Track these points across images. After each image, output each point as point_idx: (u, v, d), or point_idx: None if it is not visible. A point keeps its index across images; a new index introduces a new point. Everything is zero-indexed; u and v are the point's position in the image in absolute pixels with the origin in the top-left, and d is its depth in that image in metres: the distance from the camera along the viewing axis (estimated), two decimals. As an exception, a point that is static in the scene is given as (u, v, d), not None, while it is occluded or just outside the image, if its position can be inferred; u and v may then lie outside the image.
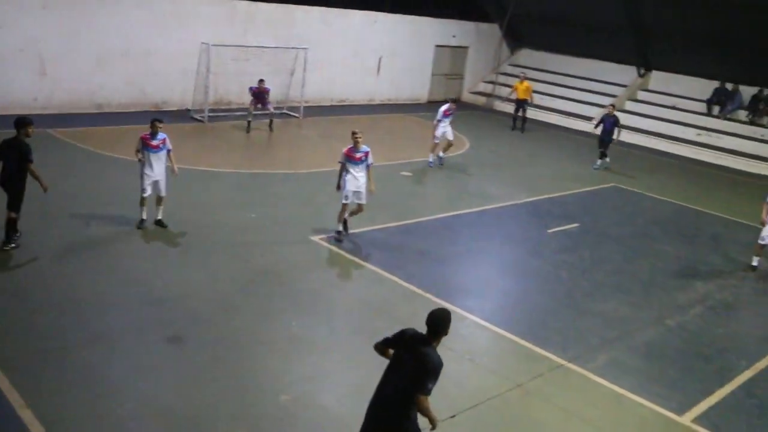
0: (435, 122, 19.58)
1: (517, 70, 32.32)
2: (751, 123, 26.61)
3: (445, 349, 9.56)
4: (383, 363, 9.11)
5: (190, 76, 22.39)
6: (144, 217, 12.48)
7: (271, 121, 21.45)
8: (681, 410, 8.84)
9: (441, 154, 19.78)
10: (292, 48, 24.14)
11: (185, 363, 8.55)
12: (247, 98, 21.93)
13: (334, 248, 12.63)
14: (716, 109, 27.53)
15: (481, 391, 8.75)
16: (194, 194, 14.64)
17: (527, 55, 33.62)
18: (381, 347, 6.53)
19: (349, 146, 12.74)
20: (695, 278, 13.57)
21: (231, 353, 8.86)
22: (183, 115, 21.83)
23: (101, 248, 11.56)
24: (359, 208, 12.97)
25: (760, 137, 25.98)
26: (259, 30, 23.97)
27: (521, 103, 26.98)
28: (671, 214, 18.18)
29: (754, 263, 14.37)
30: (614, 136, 21.86)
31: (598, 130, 22.50)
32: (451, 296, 11.25)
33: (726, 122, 26.92)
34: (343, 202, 12.77)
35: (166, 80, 22.21)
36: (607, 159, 22.16)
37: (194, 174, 16.00)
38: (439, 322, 6.18)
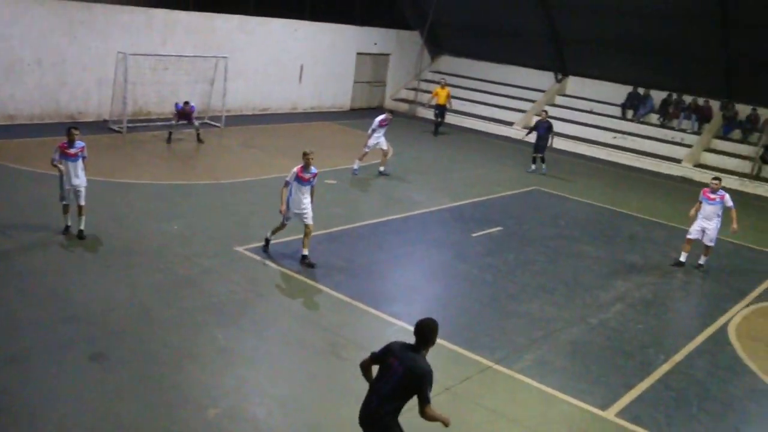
0: (369, 131, 19.68)
1: (438, 77, 32.73)
2: (662, 126, 27.62)
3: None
4: (313, 373, 9.09)
5: (107, 86, 21.81)
6: (69, 223, 12.35)
7: (199, 133, 21.09)
8: (605, 405, 9.07)
9: (381, 168, 19.86)
10: (212, 57, 23.82)
11: (108, 381, 8.30)
12: (167, 108, 21.52)
13: (259, 258, 12.50)
14: (630, 113, 28.48)
15: (411, 396, 8.77)
16: (114, 206, 14.26)
17: (448, 62, 34.06)
18: (367, 363, 6.49)
19: (300, 165, 12.37)
20: (615, 277, 13.95)
21: (156, 369, 8.65)
22: (100, 126, 21.25)
23: (16, 263, 11.15)
24: (309, 229, 12.45)
25: (670, 139, 27.00)
26: (178, 39, 23.57)
27: (442, 109, 27.46)
28: (591, 215, 18.67)
29: (682, 259, 14.91)
30: (548, 143, 22.50)
31: (532, 137, 23.01)
32: (378, 303, 11.28)
33: (639, 125, 27.87)
34: (285, 222, 12.50)
35: (81, 90, 21.60)
36: (544, 165, 22.71)
37: (114, 186, 15.60)
38: (428, 331, 6.28)
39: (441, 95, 27.52)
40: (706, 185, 22.93)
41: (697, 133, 26.80)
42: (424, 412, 6.09)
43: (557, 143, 26.06)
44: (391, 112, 21.31)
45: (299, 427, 7.87)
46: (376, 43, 31.41)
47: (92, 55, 21.48)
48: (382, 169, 19.84)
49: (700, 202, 14.82)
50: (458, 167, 22.23)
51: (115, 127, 21.23)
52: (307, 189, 12.45)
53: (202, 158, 20.00)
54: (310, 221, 12.40)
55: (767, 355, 11.25)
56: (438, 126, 27.66)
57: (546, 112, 23.77)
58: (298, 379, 8.98)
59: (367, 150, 19.61)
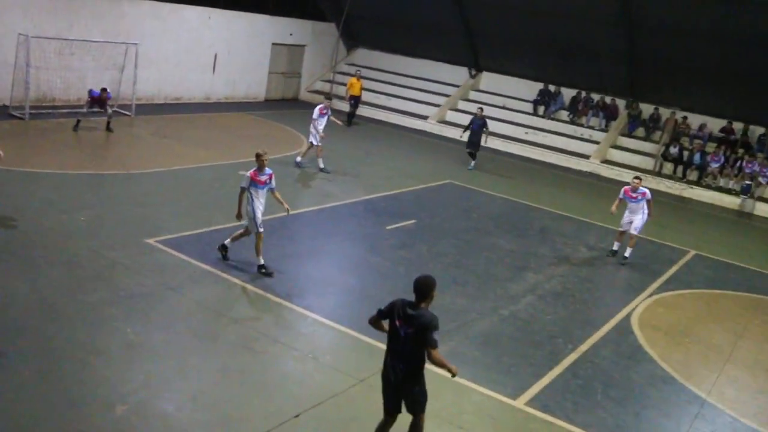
0: (312, 121, 19.45)
1: (353, 69, 32.72)
2: (572, 122, 28.43)
3: (287, 348, 9.56)
4: (225, 367, 8.95)
5: (7, 70, 20.78)
6: None
7: (110, 122, 20.36)
8: (515, 394, 9.27)
9: (298, 159, 19.73)
10: (122, 43, 23.10)
11: (7, 380, 7.93)
12: (73, 95, 20.76)
13: (170, 251, 12.21)
14: (541, 110, 29.18)
15: (325, 389, 8.76)
16: (14, 197, 13.66)
17: (363, 55, 34.09)
18: (375, 319, 7.21)
19: (253, 169, 11.88)
20: (526, 270, 14.28)
21: (60, 366, 8.34)
22: (1, 112, 20.34)
23: None
24: (260, 236, 11.95)
25: (579, 135, 27.83)
26: (86, 23, 22.76)
27: (356, 99, 27.88)
28: (503, 209, 19.04)
29: (615, 248, 15.90)
30: (482, 140, 23.02)
31: (466, 135, 23.39)
32: (292, 295, 11.21)
33: (550, 121, 28.59)
34: (260, 230, 11.85)
35: (-22, 74, 20.63)
36: (473, 162, 23.11)
37: (15, 175, 14.94)
38: (424, 287, 6.90)
39: (356, 86, 27.92)
40: (612, 180, 23.75)
41: (604, 130, 27.72)
42: (431, 354, 6.76)
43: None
44: (329, 98, 21.25)
45: (210, 422, 7.74)
46: (291, 34, 31.15)
47: (-10, 37, 20.53)
48: (299, 159, 19.71)
49: (620, 199, 15.55)
50: (372, 160, 22.29)
51: (17, 114, 20.31)
52: (263, 192, 11.97)
53: (112, 147, 19.40)
54: (261, 228, 11.88)
55: (666, 343, 11.74)
56: (351, 116, 27.85)
57: (481, 109, 24.18)
58: (209, 374, 8.83)
59: (317, 143, 19.39)
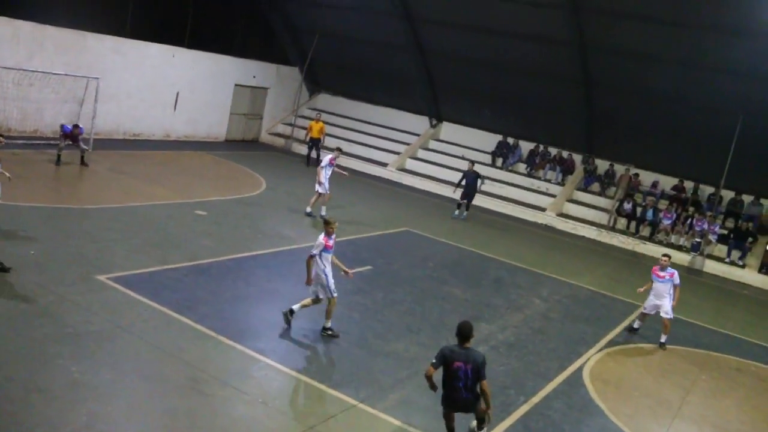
0: (319, 170, 19.87)
1: (315, 114, 32.97)
2: (529, 175, 28.87)
3: (237, 392, 9.41)
4: (173, 409, 8.75)
5: (-37, 99, 20.54)
6: None
7: (83, 156, 20.41)
8: (466, 446, 9.21)
9: (308, 209, 20.02)
10: (83, 76, 22.94)
11: (-57, 415, 7.66)
12: (29, 126, 20.50)
13: (121, 288, 11.98)
14: (499, 161, 29.59)
15: (274, 434, 8.61)
16: (-37, 228, 13.35)
17: (325, 100, 34.35)
18: (431, 372, 8.58)
19: (325, 236, 11.79)
20: (480, 319, 14.30)
21: (1, 405, 8.06)
22: (-47, 142, 19.94)
23: None
24: (334, 301, 11.95)
25: (536, 188, 28.25)
26: (47, 55, 22.61)
27: (315, 142, 28.29)
28: (459, 258, 19.14)
29: (635, 326, 15.26)
30: (478, 187, 24.13)
31: (459, 191, 24.16)
32: (244, 338, 11.06)
33: (508, 173, 28.99)
34: (335, 295, 11.81)
35: (-67, 102, 20.27)
36: (466, 212, 23.82)
37: (-36, 206, 14.61)
38: (466, 330, 8.57)
39: (314, 129, 28.39)
40: (567, 234, 24.09)
41: (561, 183, 28.19)
42: (484, 384, 8.48)
43: (427, 186, 26.79)
44: (340, 149, 21.65)
45: (154, 467, 7.54)
46: (254, 76, 31.30)
47: (-54, 65, 20.24)
48: (309, 210, 20.03)
49: (652, 281, 14.83)
50: (332, 204, 22.28)
51: (-30, 144, 19.95)
52: (329, 257, 11.92)
53: (66, 181, 19.12)
54: (335, 293, 11.89)
55: (616, 396, 11.82)
56: (309, 158, 28.31)
57: (472, 163, 24.98)
58: (156, 416, 8.62)
59: (319, 192, 19.81)
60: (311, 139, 28.45)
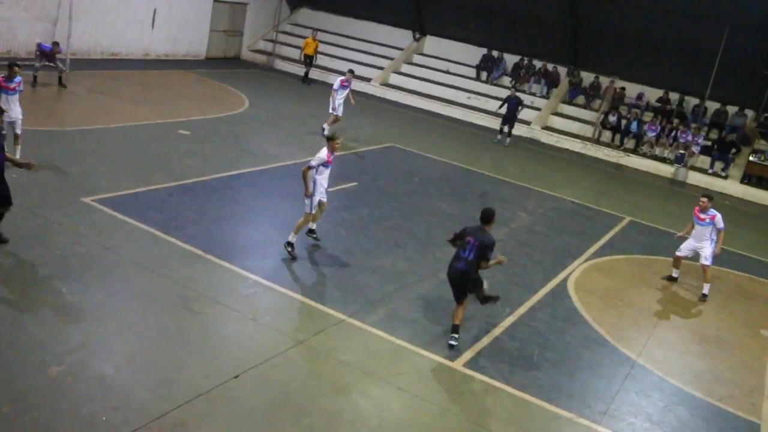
0: (333, 91, 19.89)
1: (296, 29, 32.35)
2: (514, 88, 28.54)
3: (227, 309, 9.51)
4: (163, 328, 8.87)
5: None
6: None
7: (61, 77, 20.05)
8: (453, 356, 9.42)
9: (325, 126, 19.93)
10: (56, -7, 22.27)
11: (-64, 338, 7.72)
12: (2, 46, 20.01)
13: (107, 210, 11.94)
14: (484, 75, 29.28)
15: (264, 349, 8.76)
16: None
17: (307, 15, 33.62)
18: (452, 240, 9.97)
19: (327, 151, 11.72)
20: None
21: (-10, 325, 8.13)
22: (-76, 63, 19.49)
23: None
24: (324, 206, 12.10)
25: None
26: (17, -29, 21.85)
27: (310, 58, 28.39)
28: (445, 173, 19.15)
29: (674, 275, 13.92)
30: (516, 115, 23.87)
31: (503, 110, 23.90)
32: (232, 256, 11.11)
33: (493, 87, 28.72)
34: (312, 212, 11.79)
35: None
36: (509, 139, 23.77)
37: (-58, 130, 14.37)
38: (489, 214, 9.75)
39: (310, 46, 28.44)
40: (552, 147, 24.12)
41: (546, 97, 28.00)
42: (484, 265, 9.56)
43: (411, 101, 26.60)
44: (352, 72, 21.23)
45: (149, 383, 7.67)
46: (233, -9, 30.50)
47: None
48: (325, 126, 19.96)
49: (693, 224, 13.56)
50: (315, 122, 22.08)
51: (-59, 64, 19.50)
52: (328, 172, 11.98)
53: (44, 103, 18.77)
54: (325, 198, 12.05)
55: (600, 306, 12.06)
56: (307, 76, 28.66)
57: (515, 87, 24.93)
58: (148, 334, 8.73)
59: (334, 113, 19.88)
60: (306, 55, 28.53)
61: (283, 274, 11.00)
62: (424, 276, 11.96)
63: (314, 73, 29.26)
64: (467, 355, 9.53)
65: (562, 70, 28.45)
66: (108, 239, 10.92)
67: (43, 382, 7.34)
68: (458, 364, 9.28)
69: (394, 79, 29.82)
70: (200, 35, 29.68)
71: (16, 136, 13.45)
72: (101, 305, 9.09)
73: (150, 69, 25.42)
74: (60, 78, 19.92)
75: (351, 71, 21.11)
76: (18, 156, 12.63)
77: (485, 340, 10.08)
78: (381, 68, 30.22)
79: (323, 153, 11.68)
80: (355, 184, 16.30)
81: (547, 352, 10.09)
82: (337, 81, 20.20)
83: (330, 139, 11.92)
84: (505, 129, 24.09)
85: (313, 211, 11.85)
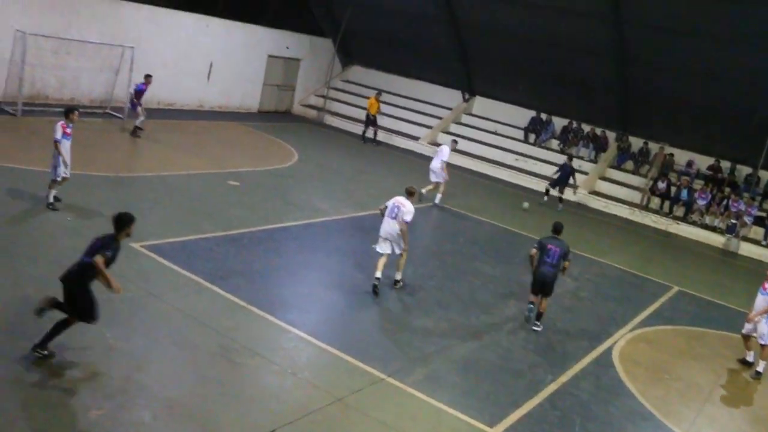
0: (442, 163, 20.30)
1: (348, 86, 32.90)
2: (562, 152, 28.55)
3: (267, 362, 9.49)
4: (204, 377, 8.88)
5: (2, 65, 20.70)
6: (54, 198, 13.43)
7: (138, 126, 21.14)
8: (493, 422, 9.23)
9: (423, 190, 19.91)
10: (119, 45, 23.07)
11: (-18, 377, 7.83)
12: (66, 94, 20.75)
13: (155, 257, 12.13)
14: (532, 137, 29.31)
15: (302, 405, 8.70)
16: (2, 194, 13.55)
17: (358, 72, 34.20)
18: (534, 254, 12.53)
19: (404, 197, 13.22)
20: (509, 297, 14.27)
21: (34, 368, 8.21)
22: (-7, 107, 20.28)
23: None
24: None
25: (569, 165, 27.91)
26: (84, 23, 22.71)
27: (373, 119, 28.64)
28: (490, 234, 19.06)
29: (749, 358, 13.04)
30: (571, 182, 23.94)
31: (557, 176, 24.28)
32: (274, 309, 11.14)
33: (541, 149, 28.71)
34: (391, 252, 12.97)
35: (-28, 68, 20.53)
36: (561, 205, 23.73)
37: (3, 172, 14.84)
38: (560, 227, 12.61)
39: (374, 106, 28.70)
40: (599, 212, 23.84)
41: (594, 161, 27.86)
42: (567, 264, 12.52)
43: (459, 161, 26.61)
44: (456, 141, 22.40)
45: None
46: (288, 47, 31.20)
47: (-13, 32, 20.45)
48: (423, 191, 20.00)
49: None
50: (363, 178, 22.31)
51: (9, 109, 20.23)
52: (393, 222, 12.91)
53: (101, 149, 19.27)
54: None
55: (646, 378, 11.74)
56: (365, 135, 28.84)
57: (571, 158, 25.12)
58: (187, 383, 8.75)
59: (440, 180, 20.36)
60: (367, 115, 28.76)
61: (324, 330, 10.97)
62: (466, 338, 11.82)
63: (359, 129, 29.47)
64: (506, 422, 9.33)
65: (611, 135, 28.33)
66: (154, 285, 11.07)
67: (83, 424, 7.39)
68: (498, 431, 9.08)
69: (442, 138, 29.98)
70: (254, 89, 30.36)
71: (64, 179, 13.56)
72: (144, 351, 9.17)
73: (204, 120, 26.02)
74: (136, 128, 20.85)
75: (455, 141, 22.59)
76: (52, 195, 13.40)
77: (526, 407, 9.86)
78: (429, 127, 30.48)
79: (411, 207, 13.06)
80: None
81: (590, 424, 9.82)
82: (445, 149, 20.61)
83: (410, 194, 13.33)
84: (553, 192, 24.08)
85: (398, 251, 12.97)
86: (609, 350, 12.56)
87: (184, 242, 13.15)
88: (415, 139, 29.77)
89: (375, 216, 17.83)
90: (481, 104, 31.36)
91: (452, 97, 31.66)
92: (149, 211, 14.45)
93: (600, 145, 28.17)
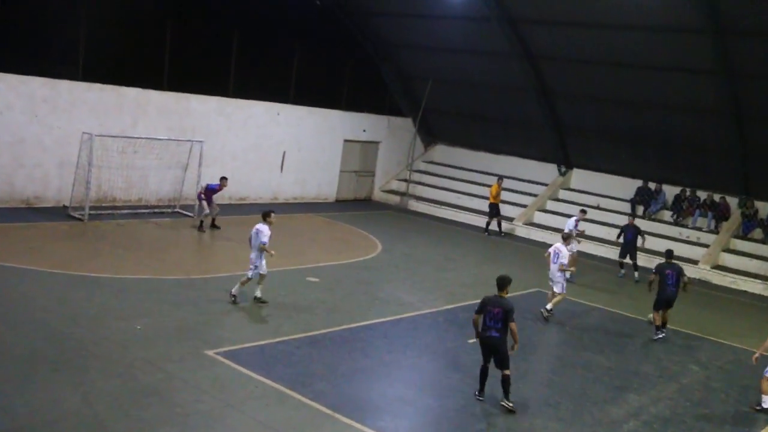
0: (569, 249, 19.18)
1: (431, 167, 33.29)
2: (676, 223, 27.89)
3: (357, 477, 9.29)
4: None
5: (69, 169, 21.90)
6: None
7: (214, 219, 22.44)
8: None
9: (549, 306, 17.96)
10: (187, 141, 24.10)
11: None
12: (134, 194, 21.65)
13: (231, 364, 12.27)
14: (640, 209, 28.77)
15: None
16: (70, 303, 14.11)
17: (442, 152, 34.61)
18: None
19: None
20: (627, 390, 13.76)
21: (108, 489, 8.33)
22: (59, 213, 21.31)
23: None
24: None
25: (685, 238, 27.22)
26: (151, 120, 23.92)
27: (496, 206, 28.29)
28: (600, 320, 18.57)
29: (765, 404, 13.41)
30: (639, 244, 23.78)
31: (620, 240, 24.10)
32: (363, 415, 11.04)
33: (651, 222, 28.11)
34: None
35: (39, 173, 21.79)
36: (637, 273, 23.53)
37: (72, 280, 15.47)
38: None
39: (493, 192, 28.34)
40: (725, 288, 22.98)
41: (714, 231, 27.07)
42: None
43: (558, 240, 26.28)
44: (584, 212, 22.70)
45: None
46: (365, 130, 31.88)
47: (54, 135, 21.73)
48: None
49: None
50: (453, 266, 22.23)
51: (76, 215, 21.22)
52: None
53: (172, 251, 19.94)
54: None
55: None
56: (488, 226, 28.40)
57: (632, 217, 25.20)
58: (271, 504, 8.67)
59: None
60: (491, 203, 28.33)
61: (419, 437, 10.78)
62: (581, 440, 11.40)
63: (444, 213, 29.53)
64: None
65: (732, 201, 27.53)
66: (231, 396, 11.15)
67: None
68: None
69: (539, 217, 29.82)
70: (330, 177, 31.03)
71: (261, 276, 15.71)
72: (222, 469, 9.17)
73: (278, 213, 26.51)
74: (213, 220, 21.93)
75: (583, 211, 23.04)
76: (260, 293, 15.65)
77: None
78: (524, 206, 30.36)
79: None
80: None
81: None
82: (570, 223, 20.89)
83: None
84: (626, 260, 23.81)
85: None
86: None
87: (261, 346, 13.28)
88: (510, 220, 29.64)
89: (469, 308, 17.70)
90: (580, 177, 31.15)
91: (547, 171, 31.58)
92: (223, 314, 14.73)
93: (720, 213, 27.39)
